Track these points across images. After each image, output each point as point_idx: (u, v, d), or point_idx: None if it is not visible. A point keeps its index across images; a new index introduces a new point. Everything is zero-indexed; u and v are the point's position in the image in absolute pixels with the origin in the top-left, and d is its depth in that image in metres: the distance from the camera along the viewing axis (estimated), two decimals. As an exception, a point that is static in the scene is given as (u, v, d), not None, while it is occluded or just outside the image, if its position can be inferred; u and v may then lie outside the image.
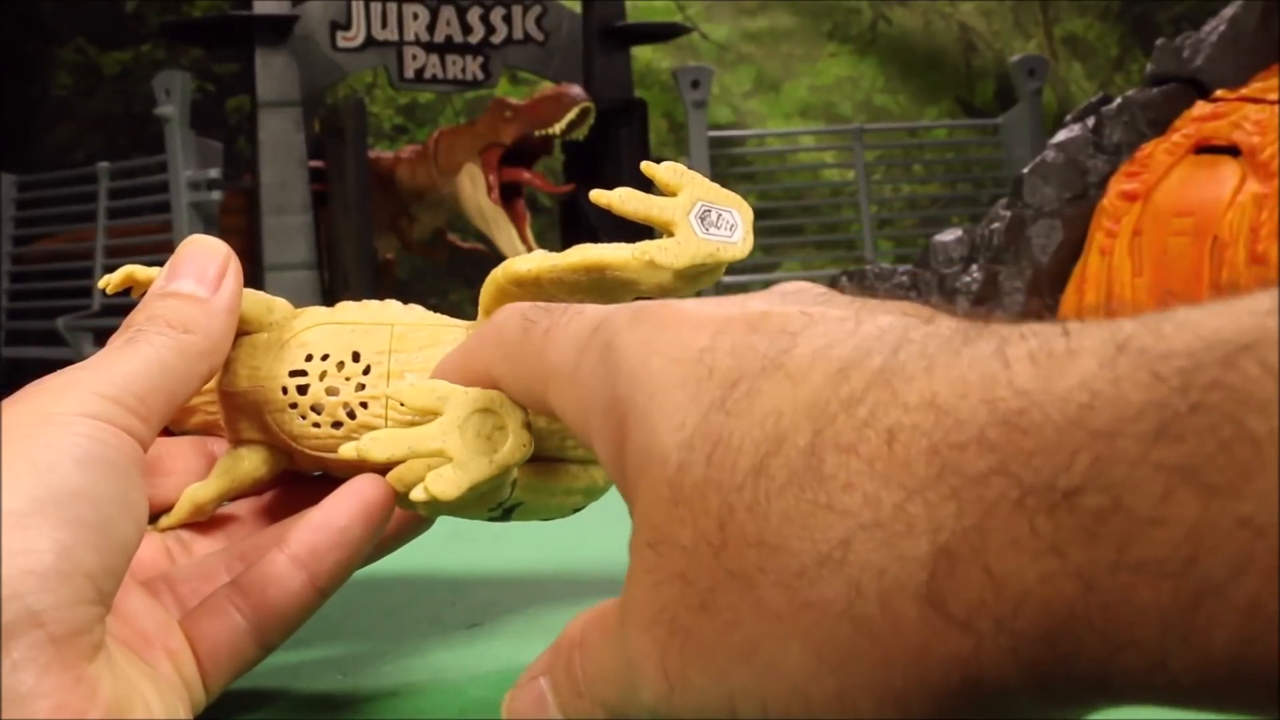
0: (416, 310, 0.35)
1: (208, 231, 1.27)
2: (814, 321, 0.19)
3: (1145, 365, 0.15)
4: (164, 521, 0.34)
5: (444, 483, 0.28)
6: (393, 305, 0.35)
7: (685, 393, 0.20)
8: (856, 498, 0.17)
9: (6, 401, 0.26)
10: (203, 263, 0.31)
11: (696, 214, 0.32)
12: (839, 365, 0.18)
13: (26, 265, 1.53)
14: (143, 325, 0.29)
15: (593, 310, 0.24)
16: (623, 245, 0.32)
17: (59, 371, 0.27)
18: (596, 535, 0.50)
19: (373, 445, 0.29)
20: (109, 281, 0.33)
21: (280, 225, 1.30)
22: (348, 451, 0.30)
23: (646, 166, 0.32)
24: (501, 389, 0.27)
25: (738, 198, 0.33)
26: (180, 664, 0.28)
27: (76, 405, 0.26)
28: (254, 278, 1.30)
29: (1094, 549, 0.15)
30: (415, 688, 0.34)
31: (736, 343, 0.20)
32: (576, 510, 0.36)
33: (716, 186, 0.33)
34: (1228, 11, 0.75)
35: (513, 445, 0.29)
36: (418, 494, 0.29)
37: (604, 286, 0.32)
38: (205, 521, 0.34)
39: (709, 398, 0.19)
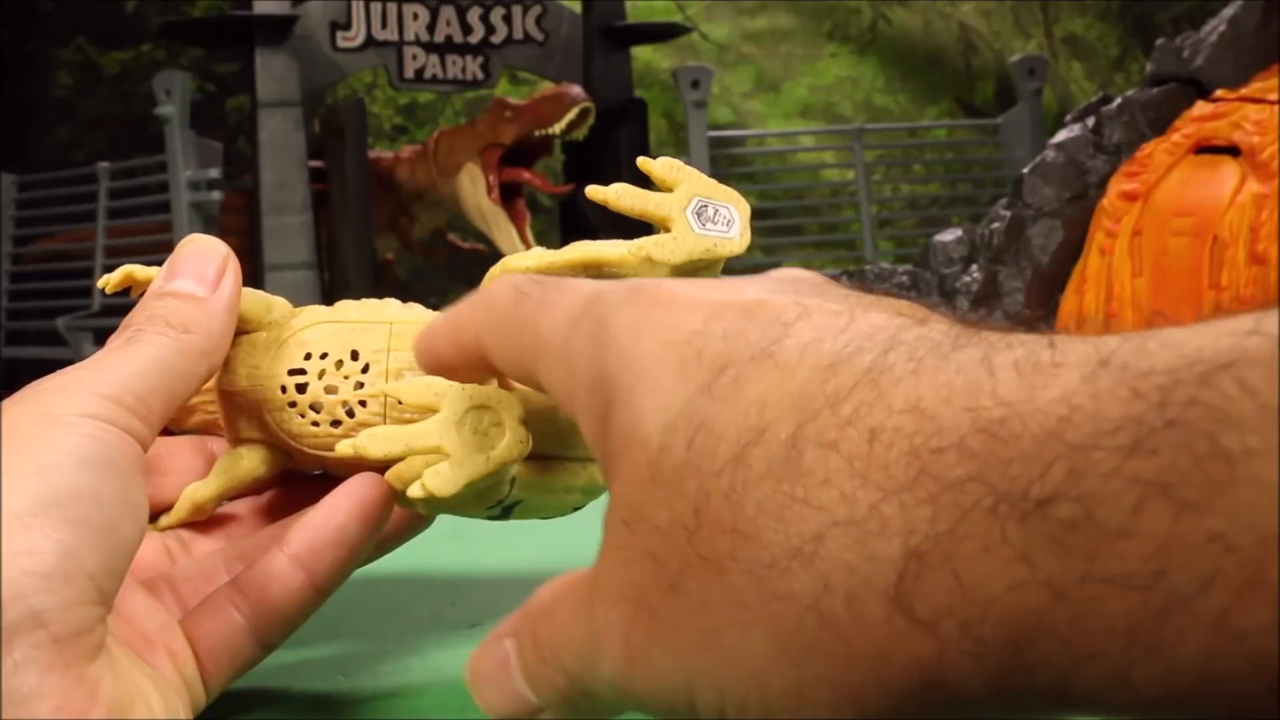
0: (415, 309, 0.35)
1: (208, 231, 1.26)
2: (808, 313, 0.19)
3: (1126, 381, 0.15)
4: (163, 521, 0.34)
5: (441, 479, 0.28)
6: (392, 304, 0.35)
7: (673, 375, 0.20)
8: (833, 494, 0.17)
9: (7, 402, 0.26)
10: (202, 262, 0.31)
11: (693, 209, 0.32)
12: (828, 360, 0.18)
13: (26, 265, 1.52)
14: (142, 325, 0.29)
15: (586, 285, 0.24)
16: (620, 242, 0.32)
17: (59, 371, 0.27)
18: (596, 535, 0.50)
19: (370, 442, 0.29)
20: (108, 281, 0.33)
21: (280, 225, 1.30)
22: (345, 449, 0.30)
23: (643, 162, 0.32)
24: (491, 359, 0.26)
25: (735, 193, 0.33)
26: (181, 664, 0.28)
27: (78, 406, 0.26)
28: (254, 277, 1.30)
29: (1064, 559, 0.15)
30: (415, 688, 0.34)
31: (728, 328, 0.20)
32: (576, 509, 0.36)
33: (713, 182, 0.33)
34: (1228, 11, 0.75)
35: (509, 442, 0.29)
36: (415, 491, 0.29)
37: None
38: (205, 521, 0.34)
39: (696, 382, 0.19)
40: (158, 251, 1.28)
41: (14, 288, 1.51)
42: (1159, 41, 0.77)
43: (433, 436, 0.29)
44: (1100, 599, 0.15)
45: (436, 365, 0.27)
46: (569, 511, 0.36)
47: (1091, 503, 0.15)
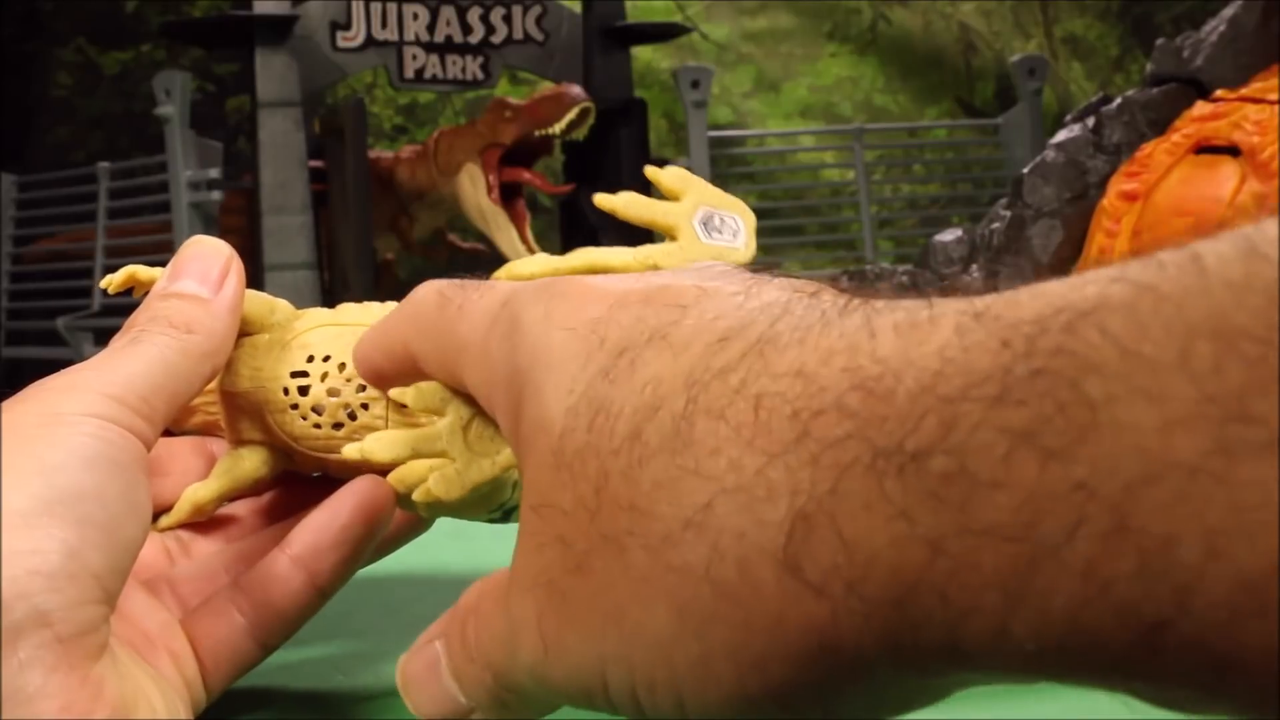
0: None
1: (207, 231, 1.26)
2: (706, 295, 0.20)
3: (996, 332, 0.15)
4: (163, 522, 0.34)
5: (447, 484, 0.28)
6: (394, 307, 0.35)
7: (575, 362, 0.20)
8: (722, 462, 0.17)
9: (10, 401, 0.26)
10: (205, 263, 0.31)
11: (700, 219, 0.32)
12: (720, 335, 0.18)
13: (26, 265, 1.52)
14: (146, 325, 0.29)
15: (505, 286, 0.24)
16: (624, 249, 0.32)
17: (62, 371, 0.27)
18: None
19: (376, 446, 0.29)
20: (111, 282, 0.33)
21: (280, 225, 1.30)
22: (351, 452, 0.30)
23: (650, 171, 0.32)
24: (420, 365, 0.26)
25: (741, 203, 0.33)
26: (182, 664, 0.28)
27: (82, 405, 0.26)
28: (254, 278, 1.30)
29: (940, 513, 0.15)
30: (415, 687, 0.34)
31: (629, 314, 0.20)
32: None
33: (720, 192, 0.33)
34: (1228, 11, 0.75)
35: None
36: (420, 495, 0.29)
37: None
38: (205, 522, 0.34)
39: (596, 367, 0.20)
40: (158, 251, 1.28)
41: (14, 288, 1.51)
42: (1159, 41, 0.77)
43: (439, 441, 0.29)
44: (975, 552, 0.15)
45: (372, 375, 0.28)
46: None
47: (963, 454, 0.15)
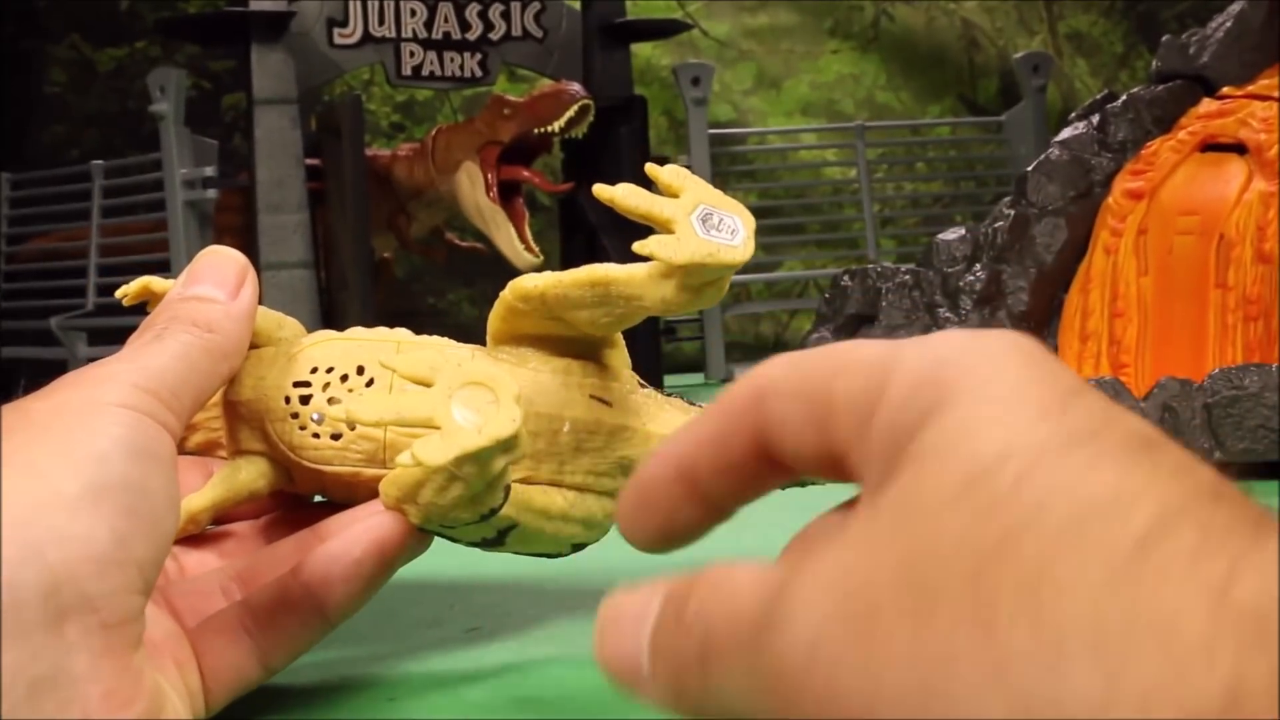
0: (429, 339, 0.35)
1: (202, 230, 1.23)
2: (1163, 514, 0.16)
3: None
4: (157, 531, 0.34)
5: (431, 449, 0.28)
6: (401, 332, 0.35)
7: (1027, 410, 0.18)
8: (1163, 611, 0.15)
9: (47, 389, 0.26)
10: (222, 270, 0.31)
11: (698, 215, 0.32)
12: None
13: (20, 264, 1.52)
14: (167, 324, 0.29)
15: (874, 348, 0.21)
16: (630, 265, 0.32)
17: (97, 362, 0.27)
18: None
19: (361, 407, 0.29)
20: (126, 293, 0.34)
21: (276, 224, 1.30)
22: (337, 413, 0.30)
23: (650, 168, 0.32)
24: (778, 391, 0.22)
25: (740, 205, 0.33)
26: (186, 675, 0.28)
27: (118, 396, 0.26)
28: (250, 276, 1.29)
29: None
30: (414, 690, 0.34)
31: (1090, 401, 0.18)
32: (576, 546, 0.36)
33: (719, 192, 0.33)
34: (1234, 8, 0.74)
35: (502, 418, 0.29)
36: (404, 459, 0.28)
37: (608, 301, 0.32)
38: (200, 538, 0.34)
39: (1050, 432, 0.17)
40: (153, 250, 1.27)
41: (7, 287, 1.50)
42: (1164, 38, 0.76)
43: (424, 408, 0.29)
44: None
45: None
46: (568, 549, 0.36)
47: None
